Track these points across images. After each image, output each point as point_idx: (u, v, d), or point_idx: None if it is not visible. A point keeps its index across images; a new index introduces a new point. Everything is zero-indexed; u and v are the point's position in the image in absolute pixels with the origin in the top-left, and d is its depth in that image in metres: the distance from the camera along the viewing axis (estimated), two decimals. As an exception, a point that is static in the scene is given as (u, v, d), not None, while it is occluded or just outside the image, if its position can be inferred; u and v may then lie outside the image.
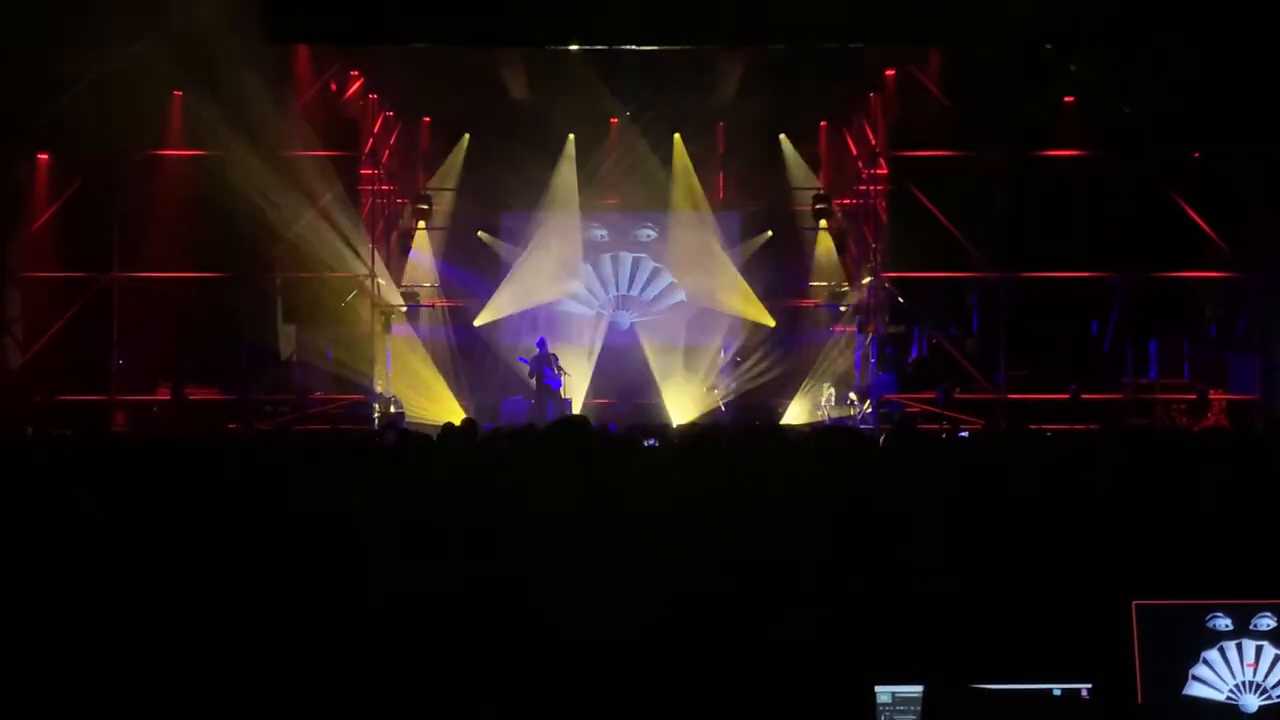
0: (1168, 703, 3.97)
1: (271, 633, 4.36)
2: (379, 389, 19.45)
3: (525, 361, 20.38)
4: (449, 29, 16.75)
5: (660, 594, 4.39)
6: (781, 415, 21.04)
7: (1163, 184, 17.97)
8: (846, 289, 21.74)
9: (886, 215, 19.76)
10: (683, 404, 21.33)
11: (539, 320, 21.95)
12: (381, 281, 19.60)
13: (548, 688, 4.20)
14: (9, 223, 18.53)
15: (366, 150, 19.92)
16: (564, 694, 4.20)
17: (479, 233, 22.42)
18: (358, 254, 19.05)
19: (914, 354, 20.76)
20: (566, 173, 22.09)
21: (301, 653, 4.30)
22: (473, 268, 22.47)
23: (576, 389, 21.21)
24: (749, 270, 22.33)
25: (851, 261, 21.91)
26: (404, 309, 20.70)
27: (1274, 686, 3.99)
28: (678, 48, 18.14)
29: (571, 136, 22.07)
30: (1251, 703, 3.98)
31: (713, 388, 21.37)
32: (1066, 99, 18.55)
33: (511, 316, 22.30)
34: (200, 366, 18.58)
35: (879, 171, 20.08)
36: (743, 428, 15.71)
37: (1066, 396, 17.78)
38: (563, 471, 5.41)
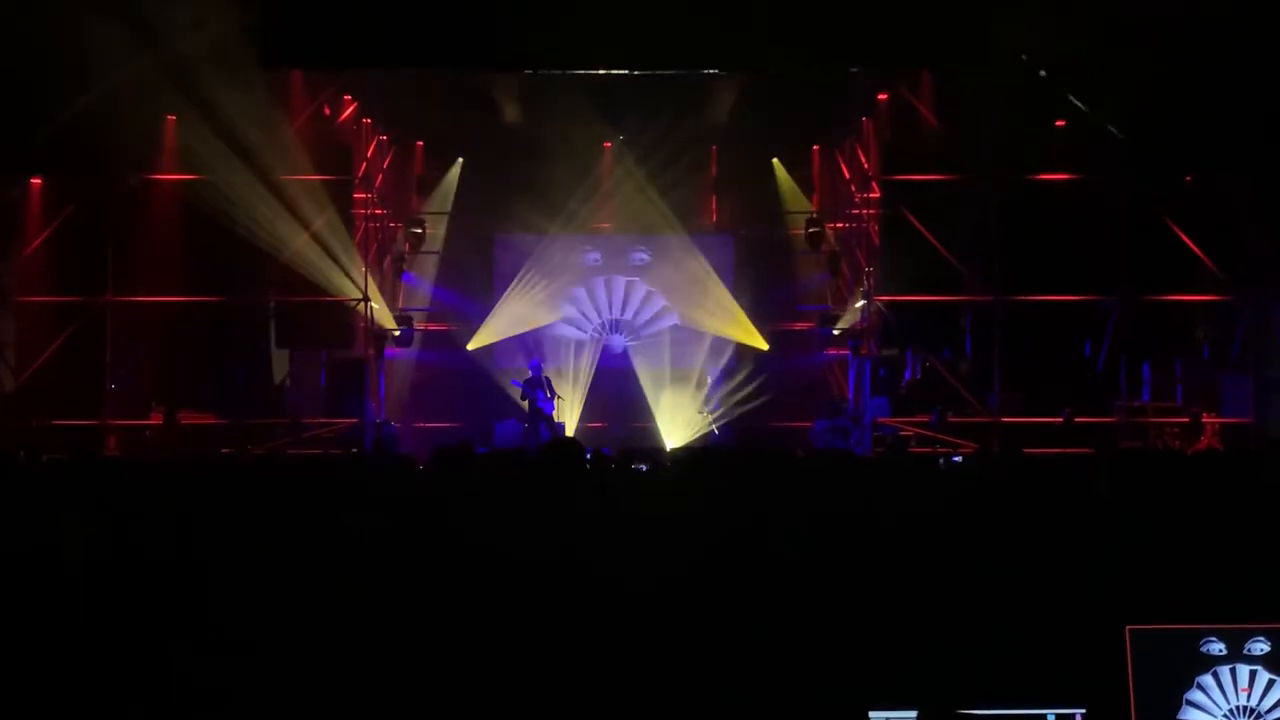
0: (1162, 728, 3.97)
1: (268, 651, 4.36)
2: (372, 413, 19.43)
3: (518, 385, 20.35)
4: (442, 54, 16.75)
5: (653, 618, 4.38)
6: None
7: (1155, 207, 18.02)
8: (839, 312, 21.75)
9: (879, 238, 19.81)
10: (676, 427, 21.34)
11: (532, 344, 21.95)
12: (375, 305, 19.60)
13: (542, 705, 4.19)
14: (2, 247, 18.53)
15: (360, 174, 19.93)
16: (559, 712, 4.19)
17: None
18: (351, 278, 19.02)
19: (907, 377, 20.76)
20: (559, 196, 22.10)
21: (299, 672, 4.29)
22: (466, 291, 22.48)
23: (569, 413, 21.19)
24: (741, 293, 22.35)
25: (844, 285, 21.92)
26: (397, 332, 20.68)
27: (1268, 711, 3.99)
28: (671, 72, 18.17)
29: (565, 160, 22.09)
30: (1246, 728, 3.98)
31: (706, 411, 21.32)
32: (1058, 122, 18.60)
33: (505, 340, 22.30)
34: (193, 390, 18.56)
35: (872, 195, 20.12)
36: (736, 450, 15.73)
37: (1060, 420, 17.78)
38: (556, 493, 5.41)
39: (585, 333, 22.64)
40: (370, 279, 19.38)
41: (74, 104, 16.66)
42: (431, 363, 21.95)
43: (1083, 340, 19.59)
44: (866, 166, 20.20)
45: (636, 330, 22.64)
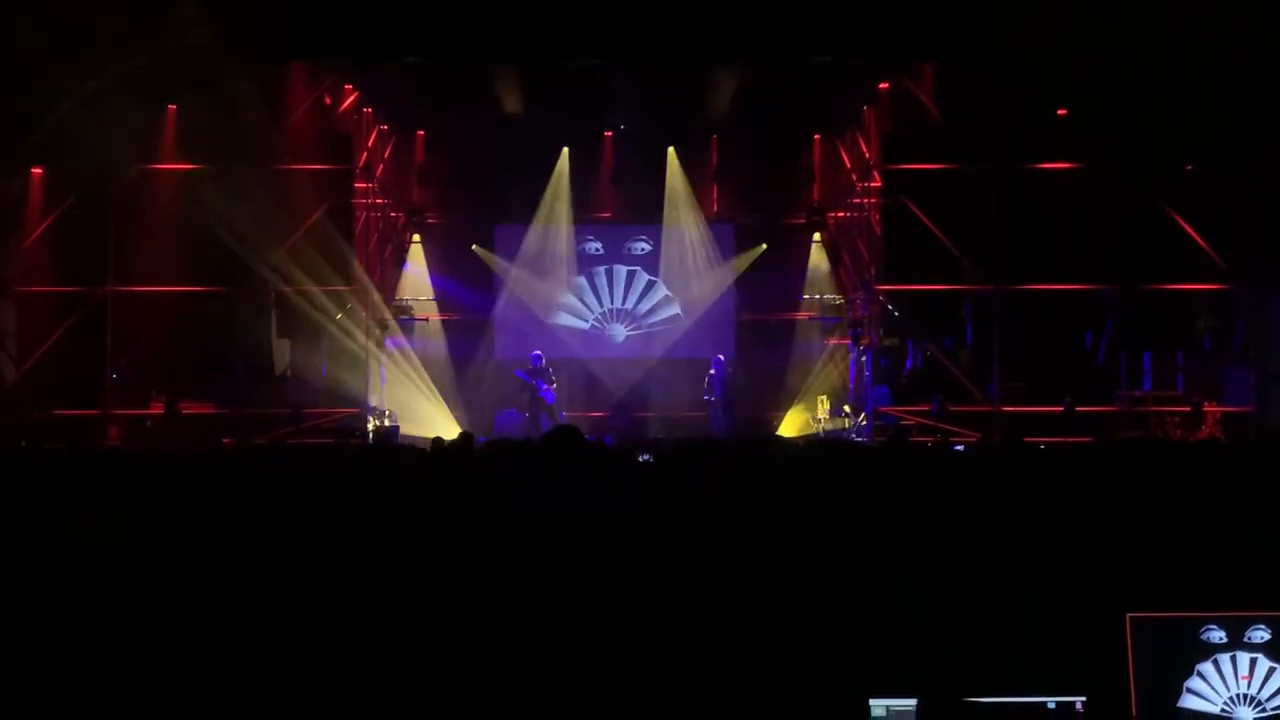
0: (1162, 716, 3.98)
1: (268, 643, 4.36)
2: (373, 403, 19.44)
3: (521, 375, 20.36)
4: (443, 45, 16.73)
5: (653, 607, 4.39)
6: (776, 428, 21.02)
7: (1156, 197, 18.02)
8: (840, 302, 21.76)
9: (880, 228, 19.80)
10: (677, 417, 21.35)
11: (533, 334, 21.92)
12: (375, 295, 19.59)
13: (538, 693, 4.20)
14: (3, 237, 18.53)
15: (360, 164, 19.93)
16: (555, 700, 4.20)
17: (473, 246, 22.39)
18: (351, 268, 19.03)
19: (908, 366, 20.77)
20: (560, 186, 22.10)
21: (299, 663, 4.30)
22: (466, 281, 22.46)
23: (570, 403, 21.19)
24: (742, 283, 22.35)
25: (845, 274, 21.92)
26: (398, 322, 20.68)
27: (1268, 699, 4.00)
28: (672, 63, 18.14)
29: (565, 150, 22.10)
30: (1246, 716, 3.99)
31: (708, 399, 21.27)
32: (1059, 112, 18.58)
33: (505, 330, 22.29)
34: (194, 381, 18.57)
35: (873, 184, 20.11)
36: (737, 439, 15.74)
37: (1060, 409, 17.78)
38: (556, 483, 5.41)
39: (586, 322, 22.64)
40: (370, 269, 19.37)
41: (75, 94, 16.65)
42: (431, 352, 21.93)
43: (1083, 330, 19.61)
44: (868, 156, 20.19)
45: (638, 320, 22.62)
